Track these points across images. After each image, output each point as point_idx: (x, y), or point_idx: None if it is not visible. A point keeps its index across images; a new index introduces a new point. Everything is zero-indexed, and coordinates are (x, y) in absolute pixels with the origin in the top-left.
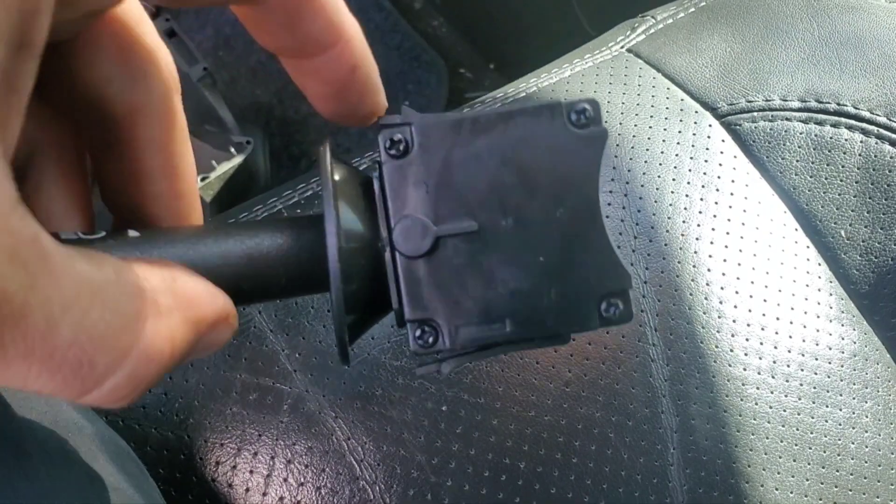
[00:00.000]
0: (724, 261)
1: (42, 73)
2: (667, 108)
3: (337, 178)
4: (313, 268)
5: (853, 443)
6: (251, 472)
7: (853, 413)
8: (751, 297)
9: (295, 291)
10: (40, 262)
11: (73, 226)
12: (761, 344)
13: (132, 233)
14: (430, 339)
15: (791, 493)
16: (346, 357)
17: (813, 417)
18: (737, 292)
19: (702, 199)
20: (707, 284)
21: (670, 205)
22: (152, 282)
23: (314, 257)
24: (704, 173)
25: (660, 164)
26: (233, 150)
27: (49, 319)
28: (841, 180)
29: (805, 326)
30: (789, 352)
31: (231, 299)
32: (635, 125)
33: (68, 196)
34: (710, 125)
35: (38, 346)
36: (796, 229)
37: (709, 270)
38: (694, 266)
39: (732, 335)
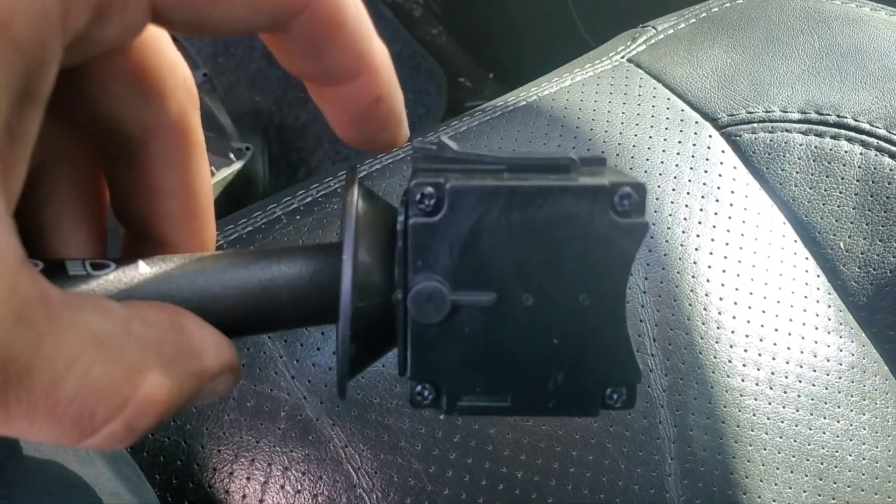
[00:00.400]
0: (724, 271)
1: (53, 90)
2: (667, 118)
3: (360, 208)
4: (324, 308)
5: (851, 455)
6: (248, 478)
7: (851, 425)
8: (749, 308)
9: (300, 325)
10: (47, 319)
11: (83, 240)
12: (760, 355)
13: (143, 267)
14: (430, 398)
15: None
16: (345, 394)
17: (811, 429)
18: (735, 303)
19: (701, 210)
20: (706, 295)
21: (670, 215)
22: (158, 330)
23: (326, 299)
24: (704, 184)
25: (660, 175)
26: (232, 156)
27: (53, 376)
28: (840, 192)
29: (803, 338)
30: (787, 363)
31: (237, 334)
32: (635, 135)
33: (79, 209)
34: (710, 136)
35: (42, 403)
36: (795, 241)
37: (708, 281)
38: (693, 276)
39: (731, 346)
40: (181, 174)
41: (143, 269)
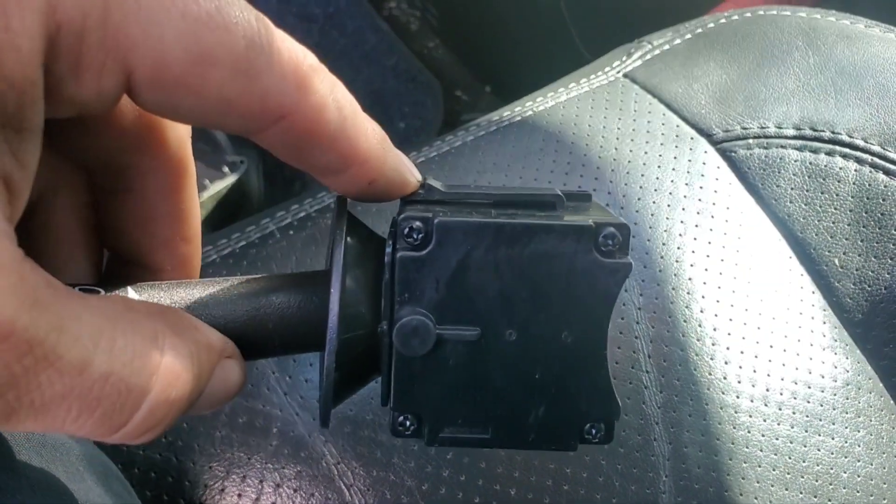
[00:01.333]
0: (719, 288)
1: (60, 129)
2: (662, 133)
3: (348, 242)
4: (310, 337)
5: (845, 472)
6: (239, 495)
7: (846, 442)
8: (744, 324)
9: (286, 353)
10: (60, 303)
11: (79, 268)
12: (754, 372)
13: (132, 293)
14: (411, 429)
15: None
16: (328, 424)
17: (805, 446)
18: (730, 319)
19: (696, 226)
20: (701, 311)
21: (665, 231)
22: (158, 308)
23: (312, 329)
24: (699, 200)
25: (655, 190)
26: (226, 169)
27: (83, 355)
28: (835, 209)
29: (798, 354)
30: (782, 380)
31: None
32: (630, 151)
33: (76, 238)
34: (705, 151)
35: (77, 383)
36: (790, 257)
37: (703, 297)
38: (688, 293)
39: (726, 362)
40: (175, 201)
41: (133, 296)
